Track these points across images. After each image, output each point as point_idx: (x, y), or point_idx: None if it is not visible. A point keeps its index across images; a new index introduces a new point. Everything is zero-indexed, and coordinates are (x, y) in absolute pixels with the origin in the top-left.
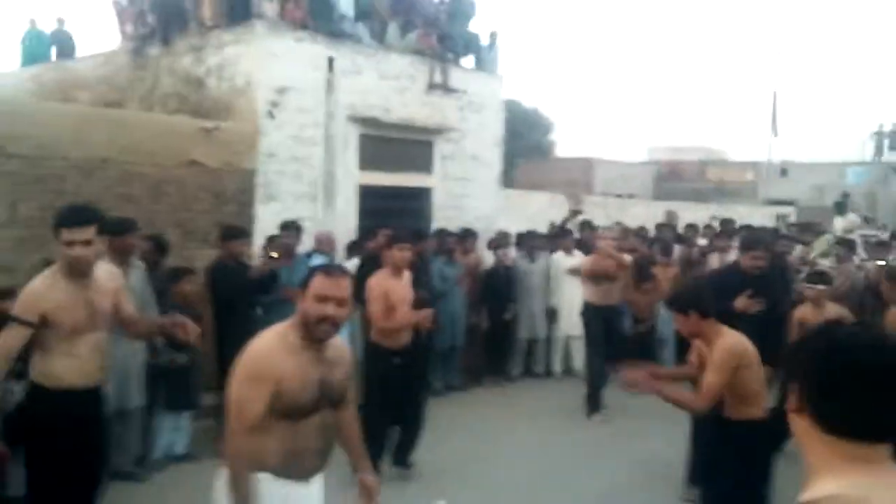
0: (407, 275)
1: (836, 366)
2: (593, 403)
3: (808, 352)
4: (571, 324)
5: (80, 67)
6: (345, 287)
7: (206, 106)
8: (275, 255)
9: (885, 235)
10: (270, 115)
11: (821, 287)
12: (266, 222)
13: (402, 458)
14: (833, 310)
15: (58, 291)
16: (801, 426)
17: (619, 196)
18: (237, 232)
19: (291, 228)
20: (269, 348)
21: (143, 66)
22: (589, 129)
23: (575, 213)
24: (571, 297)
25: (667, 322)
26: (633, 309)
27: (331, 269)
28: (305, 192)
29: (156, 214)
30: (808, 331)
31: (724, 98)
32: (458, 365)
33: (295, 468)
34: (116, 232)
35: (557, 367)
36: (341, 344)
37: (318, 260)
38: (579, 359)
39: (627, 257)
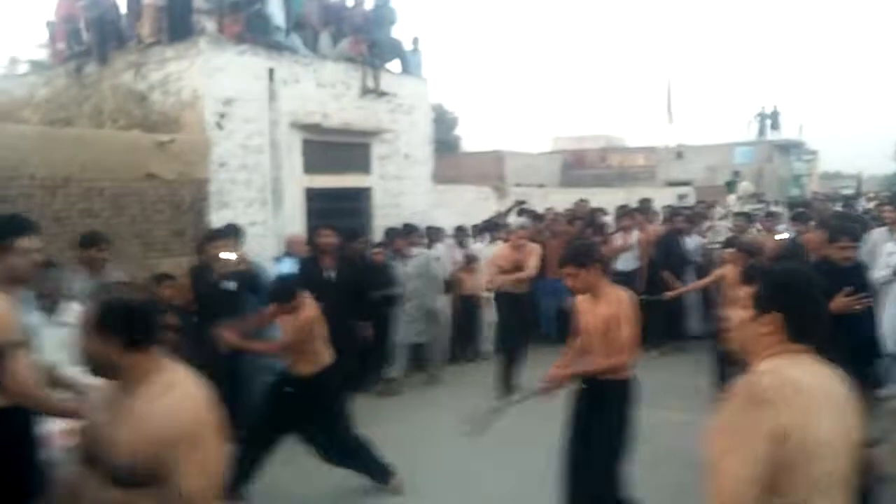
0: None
1: (802, 285)
2: (506, 386)
3: (785, 278)
4: None
5: (22, 87)
6: None
7: (153, 120)
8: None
9: (776, 208)
10: (219, 126)
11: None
12: None
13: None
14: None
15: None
16: (753, 330)
17: (530, 186)
18: (213, 234)
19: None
20: None
21: (83, 84)
22: (492, 122)
23: (519, 203)
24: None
25: None
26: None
27: None
28: (255, 198)
29: (117, 227)
30: (774, 265)
31: (622, 87)
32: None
33: None
34: (87, 245)
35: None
36: None
37: (287, 263)
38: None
39: (536, 246)
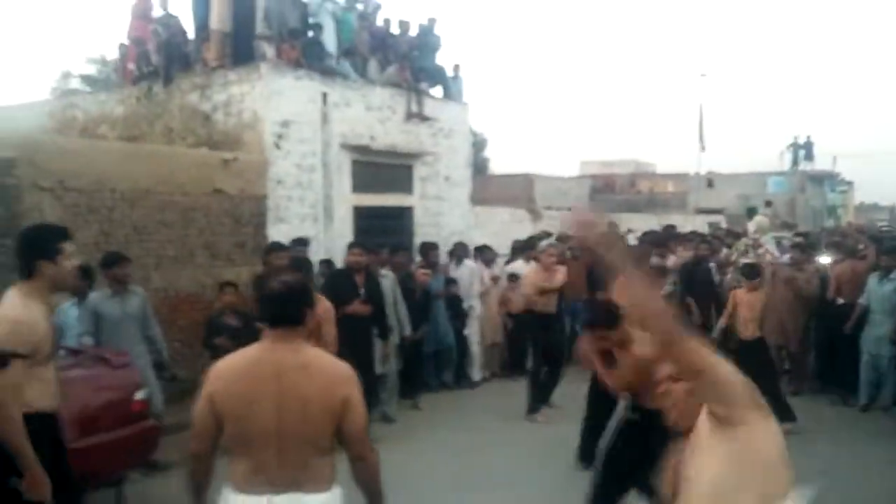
0: None
1: None
2: (535, 403)
3: None
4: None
5: (94, 104)
6: None
7: (216, 139)
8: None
9: (798, 239)
10: (277, 146)
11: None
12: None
13: None
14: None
15: (39, 316)
16: None
17: (560, 209)
18: (275, 247)
19: (302, 244)
20: None
21: (154, 103)
22: (521, 144)
23: (547, 234)
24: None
25: None
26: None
27: None
28: (308, 214)
29: (187, 238)
30: None
31: (652, 111)
32: (452, 365)
33: None
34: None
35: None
36: None
37: None
38: None
39: (563, 268)
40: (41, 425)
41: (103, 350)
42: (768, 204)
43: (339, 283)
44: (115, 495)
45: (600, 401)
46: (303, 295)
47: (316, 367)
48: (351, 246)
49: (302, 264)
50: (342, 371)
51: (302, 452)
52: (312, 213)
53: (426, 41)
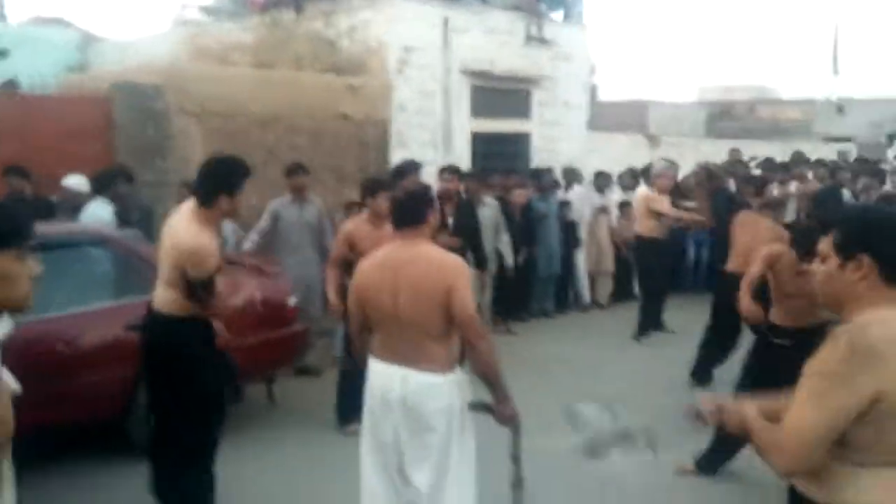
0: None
1: (890, 223)
2: (645, 326)
3: (879, 220)
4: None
5: (227, 32)
6: None
7: (341, 65)
8: None
9: None
10: (399, 71)
11: None
12: None
13: None
14: None
15: (213, 241)
16: (841, 281)
17: (677, 136)
18: (403, 169)
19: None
20: None
21: (281, 30)
22: (633, 69)
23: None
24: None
25: None
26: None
27: None
28: (428, 140)
29: (315, 161)
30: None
31: (778, 34)
32: (552, 292)
33: None
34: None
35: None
36: None
37: None
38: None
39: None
40: (206, 327)
41: (258, 259)
42: None
43: None
44: (267, 391)
45: (724, 326)
46: (420, 199)
47: (425, 259)
48: (442, 171)
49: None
50: (449, 262)
51: (416, 334)
52: (433, 140)
53: None
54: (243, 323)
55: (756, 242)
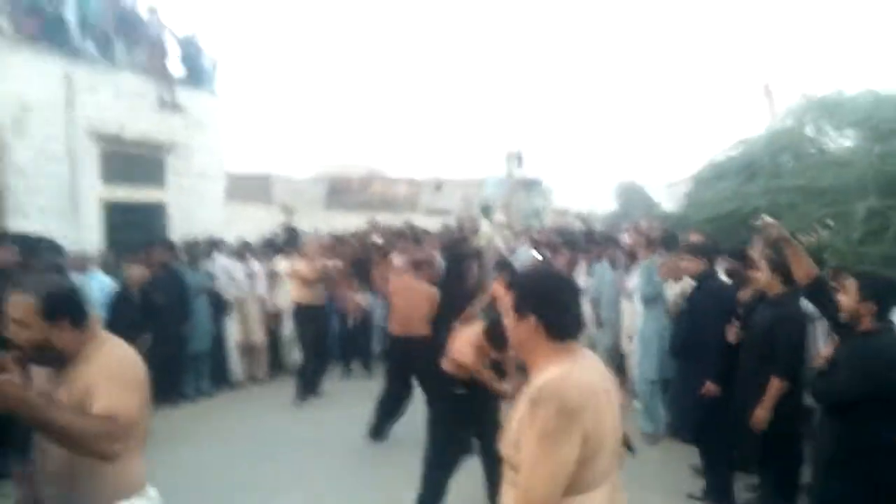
0: None
1: (552, 288)
2: (306, 391)
3: (534, 285)
4: None
5: None
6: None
7: None
8: None
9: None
10: (15, 131)
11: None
12: None
13: None
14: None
15: None
16: (518, 335)
17: (303, 208)
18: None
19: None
20: None
21: None
22: (256, 146)
23: (289, 227)
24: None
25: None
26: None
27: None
28: (53, 207)
29: None
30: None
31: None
32: (207, 371)
33: None
34: None
35: None
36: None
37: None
38: None
39: (331, 262)
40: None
41: None
42: (487, 208)
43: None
44: None
45: (397, 384)
46: None
47: None
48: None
49: None
50: None
51: None
52: (59, 207)
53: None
54: None
55: (413, 307)
